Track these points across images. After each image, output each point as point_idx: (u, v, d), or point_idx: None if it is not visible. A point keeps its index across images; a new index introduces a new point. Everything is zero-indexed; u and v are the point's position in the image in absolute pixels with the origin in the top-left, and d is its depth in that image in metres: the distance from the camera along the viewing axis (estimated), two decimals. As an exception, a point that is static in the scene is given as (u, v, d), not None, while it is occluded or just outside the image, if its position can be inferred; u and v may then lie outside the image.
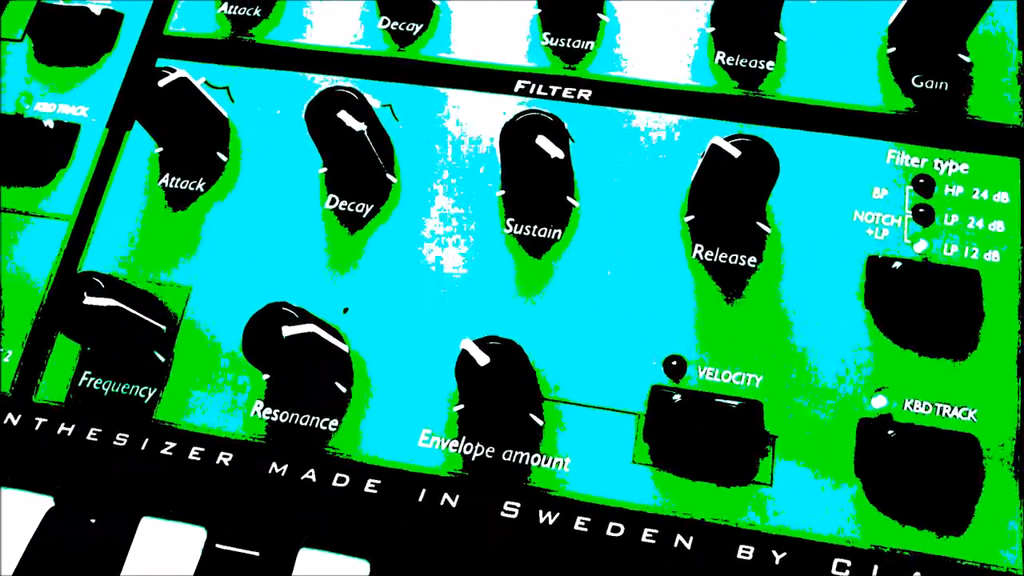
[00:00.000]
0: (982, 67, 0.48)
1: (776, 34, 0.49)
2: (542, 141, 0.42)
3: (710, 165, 0.42)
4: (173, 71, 0.47)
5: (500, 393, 0.40)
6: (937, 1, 0.46)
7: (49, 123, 0.51)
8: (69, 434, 0.46)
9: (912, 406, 0.42)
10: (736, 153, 0.41)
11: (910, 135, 0.47)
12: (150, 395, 0.46)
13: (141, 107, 0.47)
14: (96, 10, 0.53)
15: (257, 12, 0.53)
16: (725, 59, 0.49)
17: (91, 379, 0.46)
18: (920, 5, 0.46)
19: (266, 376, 0.44)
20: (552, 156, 0.42)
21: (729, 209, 0.44)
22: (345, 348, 0.44)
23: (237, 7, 0.53)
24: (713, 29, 0.50)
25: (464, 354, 0.40)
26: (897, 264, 0.43)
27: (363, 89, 0.50)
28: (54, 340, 0.47)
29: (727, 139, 0.42)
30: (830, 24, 0.49)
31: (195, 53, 0.53)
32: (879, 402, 0.43)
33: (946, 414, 0.42)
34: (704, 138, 0.48)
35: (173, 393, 0.46)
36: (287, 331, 0.40)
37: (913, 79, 0.48)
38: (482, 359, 0.39)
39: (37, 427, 0.46)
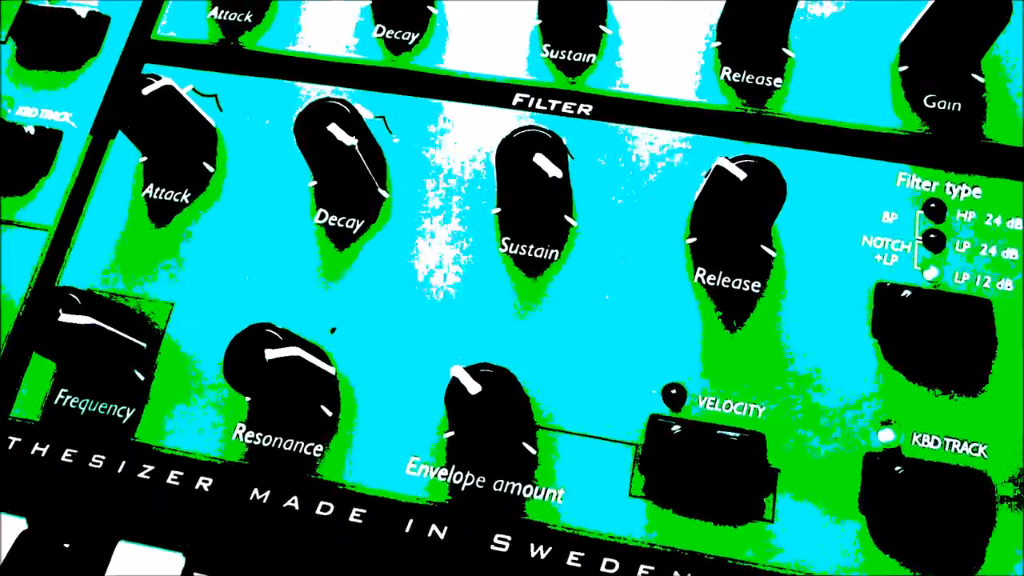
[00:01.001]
0: (996, 88, 0.47)
1: (784, 50, 0.47)
2: (540, 159, 0.41)
3: (714, 187, 0.41)
4: (158, 79, 0.45)
5: (492, 422, 0.38)
6: (953, 20, 0.44)
7: (30, 129, 0.49)
8: (44, 454, 0.44)
9: (920, 440, 0.41)
10: (742, 175, 0.40)
11: (921, 157, 0.45)
12: (128, 415, 0.44)
13: (125, 116, 0.45)
14: (82, 12, 0.52)
15: (248, 18, 0.51)
16: (731, 75, 0.48)
17: (67, 397, 0.45)
18: (935, 23, 0.45)
19: (249, 399, 0.43)
20: (550, 175, 0.40)
21: (733, 232, 0.42)
22: (332, 370, 0.42)
23: (228, 12, 0.52)
24: (719, 44, 0.48)
25: (454, 382, 0.38)
26: (907, 292, 0.42)
27: (356, 99, 0.49)
28: (30, 355, 0.45)
29: (732, 160, 0.40)
30: (840, 41, 0.48)
31: (183, 59, 0.51)
32: (886, 436, 0.41)
33: (956, 449, 0.41)
34: (708, 157, 0.46)
35: (152, 413, 0.44)
36: (270, 355, 0.38)
37: (926, 99, 0.46)
38: (473, 388, 0.37)
39: (10, 446, 0.44)
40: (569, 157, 0.46)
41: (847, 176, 0.45)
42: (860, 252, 0.44)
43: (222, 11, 0.52)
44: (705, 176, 0.43)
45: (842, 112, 0.47)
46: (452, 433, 0.41)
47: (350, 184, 0.45)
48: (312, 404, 0.42)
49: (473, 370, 0.38)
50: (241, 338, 0.39)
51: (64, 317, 0.40)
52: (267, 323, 0.40)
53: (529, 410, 0.41)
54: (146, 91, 0.44)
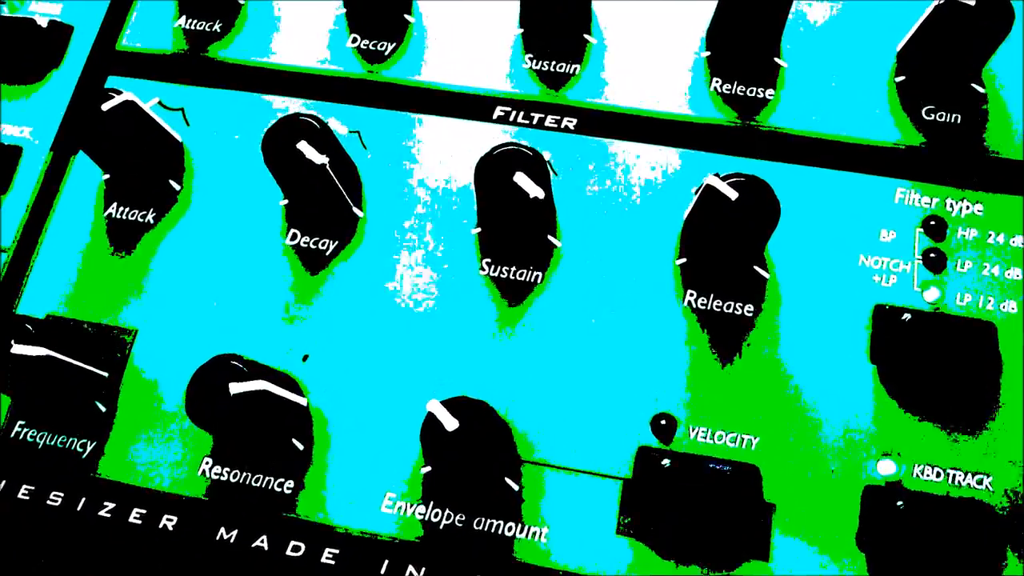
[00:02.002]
0: (998, 99, 0.45)
1: (776, 60, 0.45)
2: (520, 179, 0.39)
3: (704, 207, 0.39)
4: (119, 93, 0.43)
5: (470, 460, 0.36)
6: (952, 27, 0.42)
7: (-12, 145, 0.47)
8: None
9: (922, 472, 0.39)
10: (733, 195, 0.38)
11: (920, 172, 0.43)
12: (89, 449, 0.42)
13: (84, 133, 0.43)
14: (43, 22, 0.49)
15: (217, 27, 0.49)
16: (721, 87, 0.45)
17: (24, 430, 0.42)
18: (934, 31, 0.43)
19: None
20: (531, 196, 0.38)
21: (724, 254, 0.40)
22: (303, 402, 0.40)
23: (196, 21, 0.49)
24: (708, 54, 0.46)
25: (430, 417, 0.36)
26: (907, 316, 0.40)
27: (330, 113, 0.46)
28: (-17, 388, 0.43)
29: (723, 179, 0.38)
30: (835, 50, 0.46)
31: (149, 70, 0.49)
32: (886, 468, 0.39)
33: (959, 482, 0.39)
34: (698, 172, 0.44)
35: (114, 447, 0.42)
36: (235, 388, 0.36)
37: (924, 111, 0.44)
38: (450, 423, 0.35)
39: (-35, 482, 0.42)
40: (552, 174, 0.44)
41: (843, 192, 0.43)
42: (857, 272, 0.42)
43: (190, 20, 0.49)
44: (696, 193, 0.41)
45: (837, 125, 0.45)
46: (428, 469, 0.39)
47: (322, 204, 0.43)
48: (282, 438, 0.40)
49: (451, 404, 0.36)
50: (203, 372, 0.37)
51: (17, 348, 0.38)
52: (231, 354, 0.38)
53: (511, 444, 0.39)
54: (105, 107, 0.42)
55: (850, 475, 0.39)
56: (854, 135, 0.44)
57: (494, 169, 0.39)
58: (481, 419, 0.36)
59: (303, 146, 0.40)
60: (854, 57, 0.46)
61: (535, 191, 0.38)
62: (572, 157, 0.45)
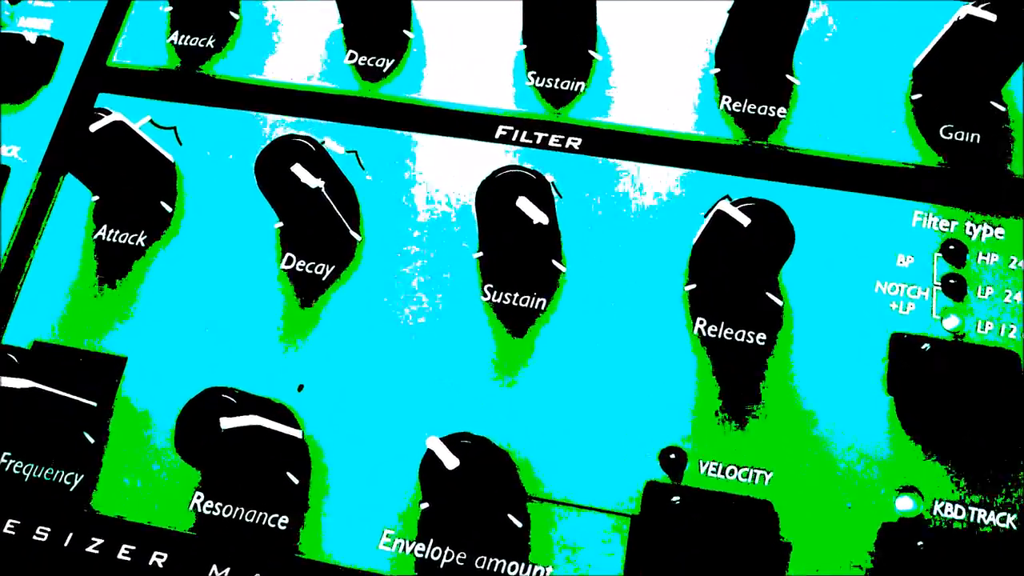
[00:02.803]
0: (1019, 118, 0.43)
1: (788, 77, 0.44)
2: (523, 204, 0.37)
3: (715, 232, 0.37)
4: (108, 113, 0.41)
5: (471, 498, 0.35)
6: (972, 43, 0.41)
7: (-26, 165, 0.46)
8: (-16, 525, 0.40)
9: (943, 509, 0.37)
10: (745, 221, 0.36)
11: (939, 194, 0.42)
12: (77, 481, 0.40)
13: (72, 154, 0.42)
14: (31, 38, 0.48)
15: (211, 43, 0.48)
16: (731, 105, 0.44)
17: (10, 462, 0.41)
18: (952, 47, 0.41)
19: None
20: (535, 221, 0.37)
21: (736, 281, 0.39)
22: (299, 434, 0.39)
23: (188, 37, 0.48)
24: (718, 71, 0.44)
25: (430, 454, 0.34)
26: (926, 346, 0.38)
27: (327, 132, 0.45)
28: (-33, 419, 0.42)
29: (735, 203, 0.37)
30: (848, 66, 0.44)
31: (141, 88, 0.47)
32: (904, 504, 0.38)
33: (981, 520, 0.37)
34: (708, 193, 0.43)
35: (103, 479, 0.40)
36: (226, 423, 0.35)
37: (942, 130, 0.43)
38: (451, 462, 0.34)
39: (-52, 517, 0.41)
40: (556, 197, 0.42)
41: (858, 215, 0.42)
42: (874, 299, 0.40)
43: (182, 36, 0.48)
44: (705, 216, 0.39)
45: (851, 144, 0.43)
46: (427, 505, 0.37)
47: (318, 227, 0.41)
48: (276, 471, 0.38)
49: (451, 441, 0.34)
50: (193, 406, 0.36)
51: (2, 381, 0.37)
52: (221, 387, 0.36)
53: (514, 481, 0.37)
54: (94, 128, 0.41)
55: (868, 512, 0.37)
56: (869, 155, 0.43)
57: (496, 193, 0.37)
58: (483, 456, 0.34)
59: (297, 169, 0.38)
60: (868, 74, 0.44)
61: (539, 217, 0.37)
62: (577, 178, 0.43)
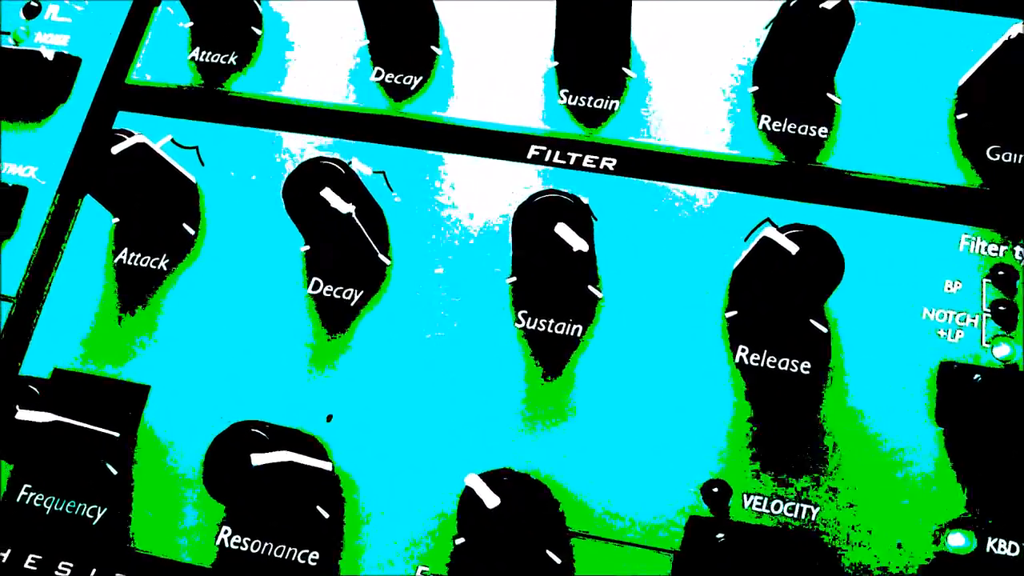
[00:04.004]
0: (1067, 137, 0.42)
1: (830, 96, 0.43)
2: (562, 230, 0.36)
3: (760, 259, 0.36)
4: (130, 135, 0.40)
5: (512, 538, 0.33)
6: (1018, 61, 0.40)
7: (-9, 186, 0.45)
8: (4, 560, 0.39)
9: (996, 545, 0.36)
10: (793, 248, 0.35)
11: (986, 217, 0.41)
12: (100, 515, 0.39)
13: (93, 176, 0.40)
14: (49, 55, 0.47)
15: (233, 60, 0.46)
16: (771, 124, 0.43)
17: (31, 494, 0.40)
18: (1002, 65, 0.40)
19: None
20: (575, 249, 0.35)
21: (781, 309, 0.38)
22: (328, 466, 0.38)
23: (210, 54, 0.47)
24: (756, 88, 0.43)
25: (469, 492, 0.33)
26: (978, 376, 0.37)
27: (354, 151, 0.44)
28: (-13, 451, 0.41)
29: (781, 230, 0.36)
30: (889, 84, 0.43)
31: (161, 106, 0.46)
32: (956, 540, 0.36)
33: (1036, 556, 0.36)
34: (747, 216, 0.41)
35: (127, 512, 0.39)
36: (257, 460, 0.34)
37: (988, 151, 0.42)
38: (491, 500, 0.32)
39: (-33, 551, 0.39)
40: (593, 220, 0.41)
41: (903, 239, 0.40)
42: (921, 327, 0.39)
43: (204, 52, 0.47)
44: (747, 241, 0.38)
45: (893, 166, 0.42)
46: (462, 541, 0.36)
47: (347, 252, 0.40)
48: (306, 506, 0.37)
49: (492, 478, 0.33)
50: (222, 441, 0.34)
51: (22, 415, 0.35)
52: (251, 421, 0.35)
53: (556, 518, 0.36)
54: (115, 150, 0.39)
55: (919, 548, 0.36)
56: (911, 177, 0.42)
57: (534, 219, 0.36)
58: (524, 495, 0.33)
59: (327, 194, 0.37)
60: (910, 92, 0.43)
61: (579, 244, 0.35)
62: (612, 200, 0.42)
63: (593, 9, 0.41)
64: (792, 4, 0.39)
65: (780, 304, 0.37)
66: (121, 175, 0.40)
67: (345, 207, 0.37)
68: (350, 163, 0.42)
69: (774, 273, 0.36)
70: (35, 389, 0.37)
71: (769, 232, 0.35)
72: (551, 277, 0.38)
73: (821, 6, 0.39)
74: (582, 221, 0.37)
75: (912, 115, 0.42)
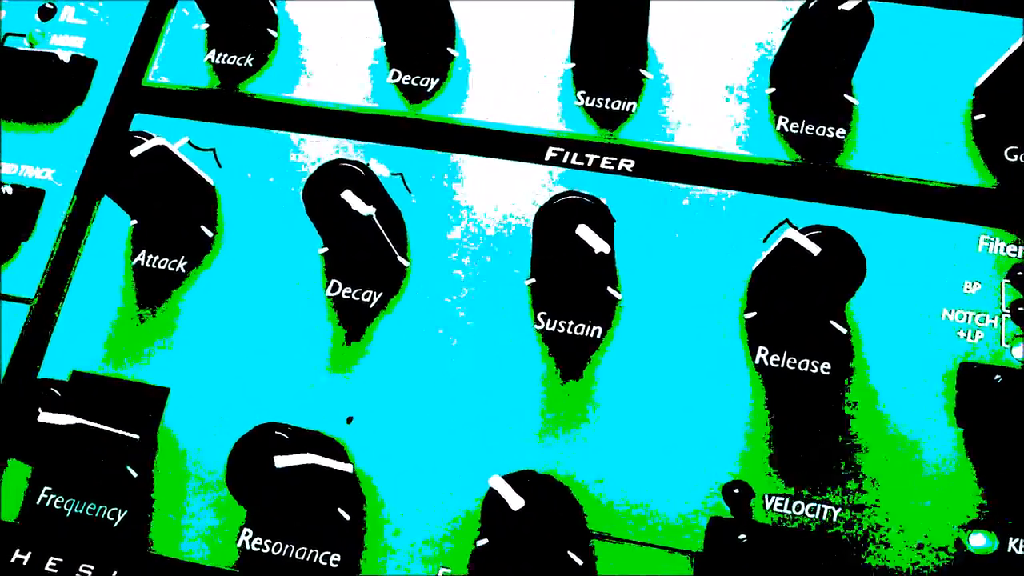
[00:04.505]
0: (1084, 138, 0.42)
1: (847, 97, 0.43)
2: (584, 231, 0.36)
3: (782, 260, 0.36)
4: (149, 137, 0.40)
5: (535, 539, 0.33)
6: (1037, 63, 0.40)
7: (8, 188, 0.44)
8: (25, 562, 0.39)
9: (1018, 545, 0.36)
10: (815, 250, 0.35)
11: (1004, 218, 0.41)
12: (120, 517, 0.39)
13: (111, 179, 0.40)
14: (65, 56, 0.47)
15: (249, 62, 0.46)
16: (788, 125, 0.43)
17: (51, 497, 0.40)
18: (1016, 67, 0.40)
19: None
20: (596, 251, 0.36)
21: (801, 311, 0.38)
22: (349, 468, 0.38)
23: (226, 56, 0.47)
24: (773, 90, 0.43)
25: (493, 494, 0.33)
26: (998, 377, 0.37)
27: (371, 153, 0.44)
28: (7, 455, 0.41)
29: (803, 232, 0.36)
30: (909, 86, 0.43)
31: (178, 108, 0.46)
32: (978, 541, 0.36)
33: (1057, 557, 0.36)
34: (765, 217, 0.41)
35: (147, 515, 0.39)
36: (281, 462, 0.34)
37: (1006, 151, 0.42)
38: (515, 502, 0.32)
39: (-13, 553, 0.39)
40: (612, 221, 0.41)
41: (922, 240, 0.40)
42: (940, 327, 0.39)
43: (220, 54, 0.47)
44: (765, 242, 0.38)
45: (910, 167, 0.42)
46: (485, 542, 0.36)
47: (367, 254, 0.40)
48: (328, 509, 0.37)
49: (516, 480, 0.33)
50: (245, 443, 0.34)
51: (44, 417, 0.35)
52: (274, 423, 0.35)
53: (579, 520, 0.36)
54: (135, 152, 0.39)
55: (939, 548, 0.36)
56: (930, 178, 0.42)
57: (555, 220, 0.36)
58: (548, 497, 0.33)
59: (348, 196, 0.37)
60: (926, 93, 0.43)
61: (600, 246, 0.35)
62: (630, 201, 0.42)
63: (612, 11, 0.41)
64: (811, 5, 0.40)
65: (801, 306, 0.37)
66: (140, 177, 0.40)
67: (366, 209, 0.37)
68: (368, 165, 0.42)
69: (796, 275, 0.36)
70: (56, 391, 0.37)
71: (791, 234, 0.35)
72: (572, 279, 0.38)
73: (840, 7, 0.39)
74: (603, 223, 0.37)
75: (929, 116, 0.42)
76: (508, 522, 0.33)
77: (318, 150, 0.44)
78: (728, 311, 0.40)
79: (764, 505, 0.37)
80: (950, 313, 0.39)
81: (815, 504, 0.37)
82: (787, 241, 0.36)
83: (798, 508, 0.37)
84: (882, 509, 0.37)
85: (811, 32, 0.40)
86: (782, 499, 0.37)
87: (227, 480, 0.34)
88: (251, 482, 0.34)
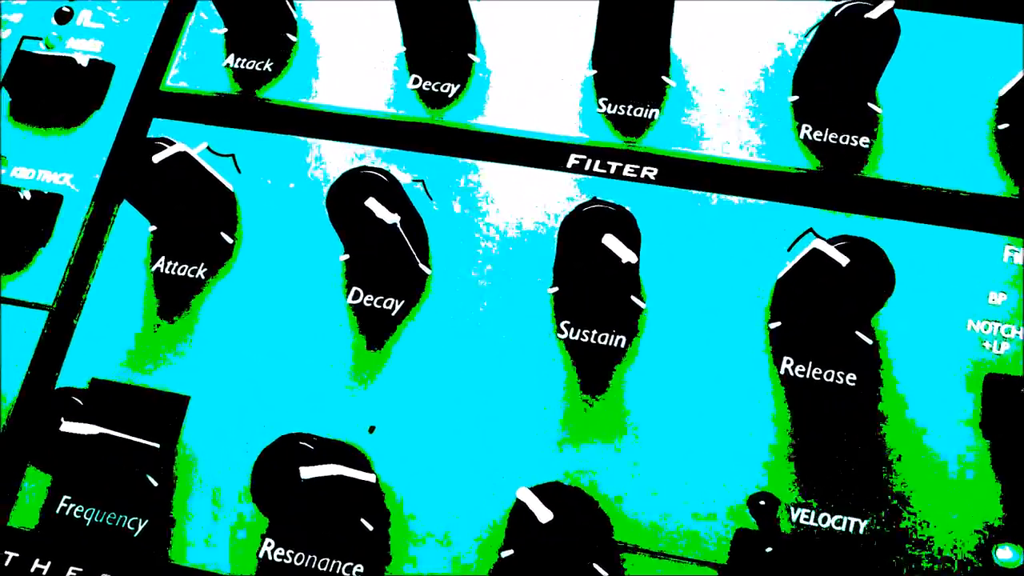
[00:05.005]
0: (1108, 147, 0.42)
1: (871, 105, 0.42)
2: (610, 241, 0.36)
3: (809, 271, 0.36)
4: (170, 143, 0.40)
5: (564, 552, 0.33)
6: (1062, 72, 0.40)
7: (26, 193, 0.44)
8: (44, 572, 0.39)
9: (1044, 559, 0.36)
10: (844, 261, 0.35)
11: (1029, 228, 0.41)
12: (141, 527, 0.39)
13: (131, 184, 0.40)
14: (83, 60, 0.46)
15: (268, 66, 0.46)
16: (812, 133, 0.42)
17: (71, 506, 0.39)
18: (1043, 77, 0.40)
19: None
20: (624, 261, 0.35)
21: (828, 322, 0.37)
22: (372, 478, 0.37)
23: (245, 60, 0.46)
24: (796, 98, 0.43)
25: (520, 506, 0.33)
26: (1024, 389, 0.37)
27: (391, 159, 0.44)
28: (27, 461, 0.40)
29: (831, 242, 0.35)
30: (932, 94, 0.43)
31: (196, 113, 0.46)
32: (1005, 555, 0.36)
33: (1085, 570, 0.36)
34: (788, 226, 0.41)
35: (167, 524, 0.39)
36: (306, 473, 0.33)
37: (1030, 161, 0.42)
38: (544, 515, 0.32)
39: (7, 562, 0.39)
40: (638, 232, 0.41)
41: (947, 250, 0.40)
42: (965, 338, 0.39)
43: (239, 59, 0.46)
44: (789, 251, 0.38)
45: (935, 176, 0.42)
46: (510, 552, 0.36)
47: (389, 262, 0.40)
48: (351, 519, 0.37)
49: (544, 492, 0.33)
50: (270, 454, 0.34)
51: (67, 427, 0.35)
52: (299, 434, 0.35)
53: (607, 532, 0.36)
54: (156, 159, 0.39)
55: (966, 561, 0.36)
56: (954, 187, 0.41)
57: (581, 230, 0.36)
58: (578, 508, 0.33)
59: (372, 204, 0.37)
60: (949, 102, 0.43)
61: (628, 256, 0.35)
62: (653, 209, 0.42)
63: (636, 18, 0.41)
64: (837, 14, 0.39)
65: (828, 317, 0.37)
66: (161, 184, 0.40)
67: (391, 217, 0.37)
68: (393, 174, 0.42)
69: (823, 286, 0.35)
70: (78, 400, 0.36)
71: (818, 244, 0.35)
72: (596, 288, 0.38)
73: (866, 16, 0.39)
74: (629, 232, 0.37)
75: (952, 125, 0.42)
76: (536, 534, 0.33)
77: (338, 156, 0.44)
78: (752, 320, 0.40)
79: (790, 517, 0.37)
80: (975, 323, 0.39)
81: (841, 516, 0.37)
82: (815, 251, 0.35)
83: (824, 520, 0.37)
84: (908, 521, 0.37)
85: (837, 40, 0.40)
86: (808, 511, 0.37)
87: (252, 491, 0.34)
88: (276, 493, 0.34)
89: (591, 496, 0.35)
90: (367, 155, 0.44)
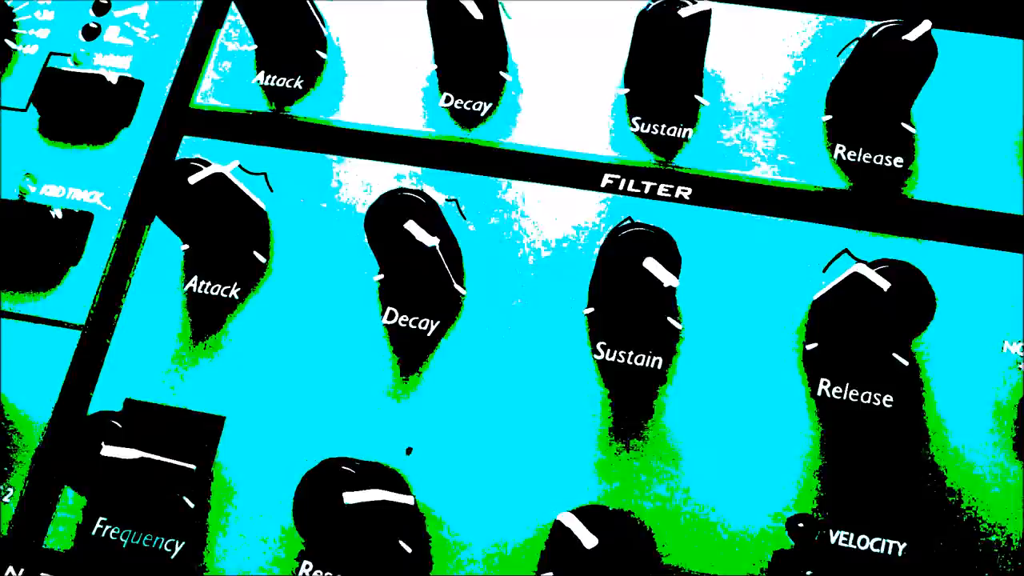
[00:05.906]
0: None
1: (905, 125, 0.42)
2: (651, 264, 0.36)
3: (848, 294, 0.36)
4: (206, 164, 0.40)
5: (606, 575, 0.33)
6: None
7: (57, 212, 0.44)
8: (81, 594, 0.39)
9: (1083, 582, 0.36)
10: (885, 285, 0.35)
11: (1064, 249, 0.41)
12: (178, 549, 0.39)
13: (165, 204, 0.40)
14: (112, 77, 0.46)
15: (299, 84, 0.46)
16: (846, 154, 0.43)
17: (107, 527, 0.39)
18: (1077, 98, 0.40)
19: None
20: (665, 284, 0.35)
21: (867, 345, 0.37)
22: (411, 500, 0.37)
23: (276, 77, 0.46)
24: (830, 117, 0.43)
25: (563, 531, 0.33)
26: (1063, 412, 0.37)
27: (424, 179, 0.44)
28: (61, 485, 0.40)
29: (871, 266, 0.35)
30: (964, 113, 0.43)
31: (226, 130, 0.46)
32: (1044, 577, 0.36)
33: (1123, 593, 0.36)
34: (824, 247, 0.41)
35: (204, 546, 0.39)
36: (350, 499, 0.33)
37: (1064, 181, 0.42)
38: (589, 540, 0.32)
39: (43, 584, 0.39)
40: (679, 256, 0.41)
41: (981, 271, 0.40)
42: (1001, 360, 0.39)
43: (269, 76, 0.46)
44: (824, 272, 0.38)
45: (969, 196, 0.42)
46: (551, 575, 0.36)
47: (425, 283, 0.40)
48: (390, 541, 0.37)
49: (586, 516, 0.33)
50: (312, 478, 0.34)
51: (107, 451, 0.35)
52: (340, 458, 0.35)
53: (652, 554, 0.36)
54: (192, 180, 0.39)
55: (1005, 584, 0.36)
56: (987, 207, 0.41)
57: (622, 253, 0.36)
58: (621, 533, 0.33)
59: (412, 226, 0.37)
60: (983, 122, 0.43)
61: (669, 280, 0.35)
62: (688, 230, 0.42)
63: (671, 38, 0.41)
64: (874, 34, 0.39)
65: (868, 340, 0.37)
66: (196, 204, 0.40)
67: (430, 240, 0.37)
68: (430, 196, 0.42)
69: (864, 310, 0.35)
70: (117, 423, 0.36)
71: (859, 268, 0.35)
72: (635, 310, 0.38)
73: (904, 37, 0.39)
74: (669, 255, 0.37)
75: (984, 144, 0.42)
76: (580, 559, 0.33)
77: (370, 175, 0.44)
78: (787, 341, 0.40)
79: (829, 539, 0.37)
80: (1011, 345, 0.39)
81: (880, 540, 0.37)
82: (856, 275, 0.35)
83: (863, 542, 0.37)
84: (947, 545, 0.37)
85: (873, 60, 0.40)
86: (847, 534, 0.37)
87: (294, 514, 0.34)
88: (319, 517, 0.34)
89: (637, 519, 0.35)
90: (402, 175, 0.44)
